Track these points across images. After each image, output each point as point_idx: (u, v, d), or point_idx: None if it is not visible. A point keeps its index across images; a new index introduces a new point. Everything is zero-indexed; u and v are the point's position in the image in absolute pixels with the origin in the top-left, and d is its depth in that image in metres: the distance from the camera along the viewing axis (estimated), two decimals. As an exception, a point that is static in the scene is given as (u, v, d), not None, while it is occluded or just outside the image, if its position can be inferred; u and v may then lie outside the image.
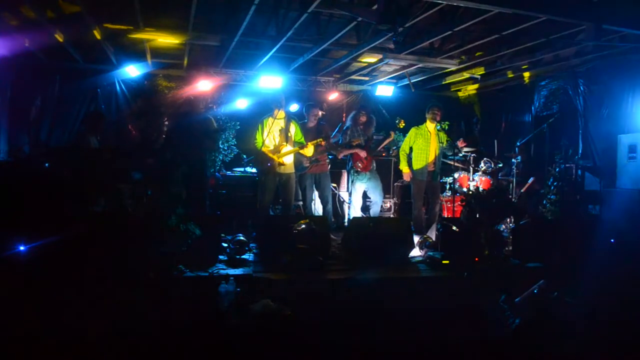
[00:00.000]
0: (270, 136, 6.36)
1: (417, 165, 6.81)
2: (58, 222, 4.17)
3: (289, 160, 6.47)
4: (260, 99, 8.39)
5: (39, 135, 8.02)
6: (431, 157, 6.78)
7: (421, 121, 6.88)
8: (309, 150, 6.49)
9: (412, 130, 6.88)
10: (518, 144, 7.87)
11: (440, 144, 6.88)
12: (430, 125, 6.81)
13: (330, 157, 7.35)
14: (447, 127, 6.80)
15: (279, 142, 6.41)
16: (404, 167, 6.87)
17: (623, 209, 5.96)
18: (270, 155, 6.35)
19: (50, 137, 8.17)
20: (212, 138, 6.64)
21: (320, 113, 6.97)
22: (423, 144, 6.79)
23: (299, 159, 6.70)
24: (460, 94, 10.46)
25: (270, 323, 3.70)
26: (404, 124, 7.10)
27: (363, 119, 7.18)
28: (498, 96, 9.48)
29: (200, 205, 6.20)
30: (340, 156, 7.10)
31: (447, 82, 9.42)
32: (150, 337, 3.36)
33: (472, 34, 6.64)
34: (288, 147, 6.44)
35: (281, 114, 6.41)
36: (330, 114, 9.48)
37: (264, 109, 6.69)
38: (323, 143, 6.55)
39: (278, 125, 6.42)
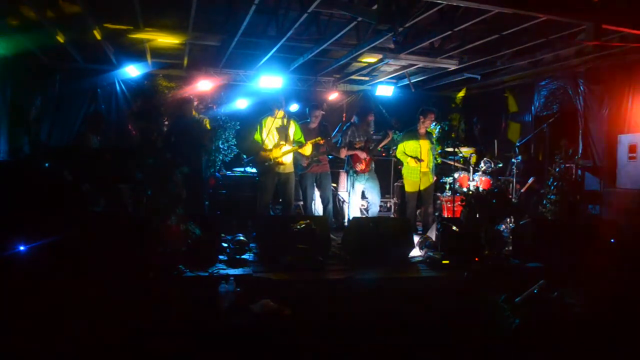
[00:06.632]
0: (269, 136, 6.37)
1: (410, 167, 6.86)
2: (58, 222, 4.17)
3: (288, 159, 6.48)
4: (260, 99, 8.40)
5: (39, 135, 8.02)
6: (423, 158, 6.83)
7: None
8: (307, 149, 6.50)
9: (403, 135, 7.05)
10: (518, 144, 7.88)
11: (432, 145, 7.00)
12: (420, 128, 6.88)
13: (329, 157, 7.35)
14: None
15: (278, 141, 6.42)
16: (410, 161, 6.88)
17: (623, 209, 5.96)
18: (269, 155, 6.36)
19: (50, 137, 8.18)
20: (209, 138, 6.65)
21: (321, 114, 6.97)
22: (414, 146, 6.87)
23: (297, 159, 6.71)
24: (460, 94, 10.45)
25: (270, 323, 3.70)
26: (397, 134, 7.20)
27: (371, 118, 7.23)
28: (498, 96, 9.47)
29: (198, 205, 6.21)
30: (342, 155, 7.11)
31: (447, 82, 9.42)
32: (150, 337, 3.36)
33: (472, 34, 6.64)
34: (287, 147, 6.45)
35: (281, 113, 6.42)
36: (330, 114, 9.48)
37: (264, 109, 6.70)
38: (322, 142, 6.56)
39: (278, 125, 6.43)
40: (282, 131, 6.45)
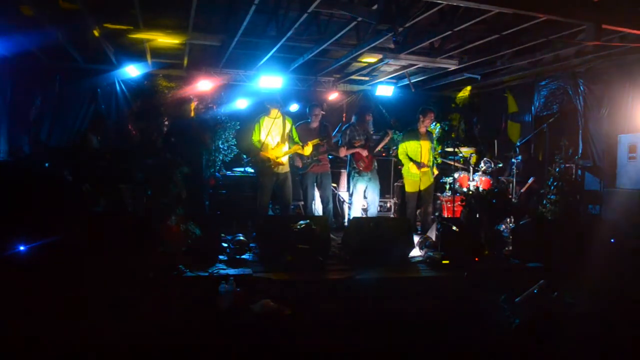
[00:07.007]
0: (269, 136, 6.37)
1: (411, 167, 6.87)
2: (58, 222, 4.18)
3: (285, 159, 6.50)
4: (260, 99, 8.39)
5: (39, 135, 8.02)
6: (424, 159, 6.85)
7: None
8: (307, 150, 6.51)
9: (404, 135, 7.07)
10: (518, 144, 7.87)
11: (432, 145, 7.04)
12: (420, 128, 6.90)
13: (330, 157, 7.34)
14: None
15: (278, 141, 6.42)
16: (412, 166, 6.89)
17: (623, 209, 5.95)
18: (269, 155, 6.36)
19: (50, 137, 8.17)
20: (209, 136, 6.68)
21: (320, 112, 6.97)
22: (415, 147, 6.88)
23: (293, 160, 6.71)
24: (460, 94, 10.45)
25: (270, 323, 3.70)
26: (396, 134, 7.22)
27: (369, 118, 7.22)
28: (498, 96, 9.48)
29: (198, 205, 6.21)
30: (342, 155, 7.12)
31: (447, 82, 9.42)
32: (150, 338, 3.36)
33: (472, 34, 6.64)
34: (286, 147, 6.45)
35: (278, 113, 6.43)
36: (330, 114, 9.48)
37: (263, 109, 6.70)
38: (322, 143, 6.57)
39: (276, 125, 6.43)
40: (281, 131, 6.46)
